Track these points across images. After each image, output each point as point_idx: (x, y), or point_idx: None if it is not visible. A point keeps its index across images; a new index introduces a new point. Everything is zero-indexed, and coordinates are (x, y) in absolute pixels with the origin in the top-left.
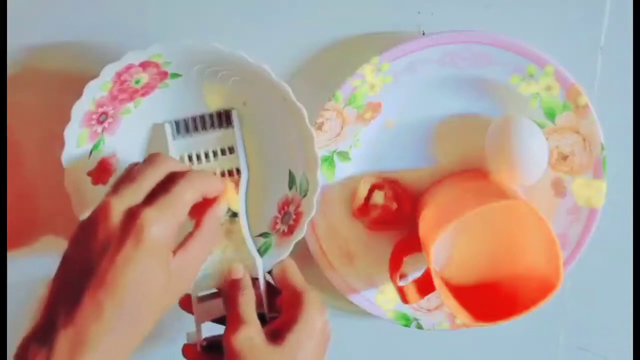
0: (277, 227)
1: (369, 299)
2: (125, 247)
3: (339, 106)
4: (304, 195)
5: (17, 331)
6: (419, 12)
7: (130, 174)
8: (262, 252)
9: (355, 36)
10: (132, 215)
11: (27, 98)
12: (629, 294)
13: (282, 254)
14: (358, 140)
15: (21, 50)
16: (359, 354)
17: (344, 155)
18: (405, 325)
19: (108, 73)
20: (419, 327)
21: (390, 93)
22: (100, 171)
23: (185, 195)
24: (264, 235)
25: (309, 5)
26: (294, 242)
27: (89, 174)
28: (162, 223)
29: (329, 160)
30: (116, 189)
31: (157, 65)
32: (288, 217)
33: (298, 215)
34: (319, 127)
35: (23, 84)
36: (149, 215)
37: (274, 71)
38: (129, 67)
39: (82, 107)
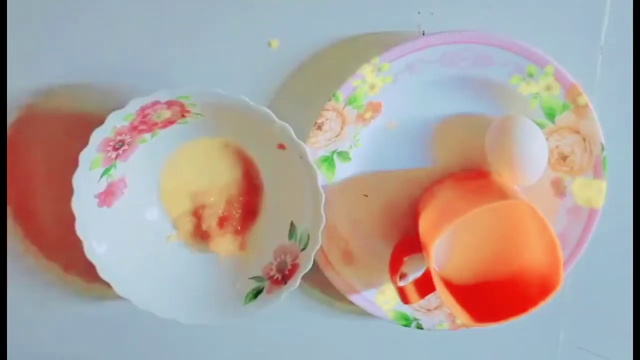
0: (271, 273)
1: (369, 299)
2: None
3: (339, 106)
4: (303, 249)
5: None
6: (419, 12)
7: None
8: (252, 295)
9: (355, 36)
10: None
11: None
12: (629, 294)
13: (272, 300)
14: (358, 140)
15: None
16: (359, 354)
17: (344, 155)
18: (405, 325)
19: (133, 106)
20: (419, 327)
21: (390, 93)
22: (108, 194)
23: None
24: (256, 278)
25: (308, 5)
26: (285, 292)
27: (96, 196)
28: None
29: (329, 160)
30: None
31: (182, 105)
32: (283, 265)
33: (294, 267)
34: (319, 127)
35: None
36: None
37: (274, 71)
38: (154, 104)
39: (101, 134)
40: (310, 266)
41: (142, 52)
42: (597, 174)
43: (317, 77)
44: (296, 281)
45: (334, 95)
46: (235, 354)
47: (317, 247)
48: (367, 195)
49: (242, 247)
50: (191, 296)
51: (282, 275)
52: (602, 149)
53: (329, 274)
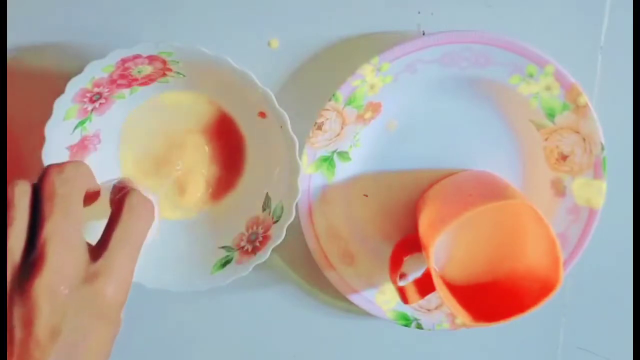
0: (242, 244)
1: (369, 299)
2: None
3: (339, 106)
4: (276, 221)
5: None
6: (419, 12)
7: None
8: (220, 265)
9: (355, 36)
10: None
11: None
12: (629, 294)
13: (240, 271)
14: (358, 140)
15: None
16: (359, 354)
17: (344, 156)
18: (405, 325)
19: (114, 57)
20: (419, 327)
21: (390, 93)
22: (80, 147)
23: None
24: (226, 248)
25: (308, 5)
26: (254, 264)
27: (69, 147)
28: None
29: (329, 160)
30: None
31: (164, 62)
32: (255, 237)
33: (265, 238)
34: (319, 127)
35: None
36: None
37: (274, 71)
38: (136, 57)
39: (78, 83)
40: (281, 239)
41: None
42: (597, 174)
43: (317, 77)
44: (266, 253)
45: (334, 95)
46: (235, 354)
47: (291, 219)
48: (367, 195)
49: (213, 197)
50: (157, 261)
51: (253, 247)
52: (602, 149)
53: (329, 274)
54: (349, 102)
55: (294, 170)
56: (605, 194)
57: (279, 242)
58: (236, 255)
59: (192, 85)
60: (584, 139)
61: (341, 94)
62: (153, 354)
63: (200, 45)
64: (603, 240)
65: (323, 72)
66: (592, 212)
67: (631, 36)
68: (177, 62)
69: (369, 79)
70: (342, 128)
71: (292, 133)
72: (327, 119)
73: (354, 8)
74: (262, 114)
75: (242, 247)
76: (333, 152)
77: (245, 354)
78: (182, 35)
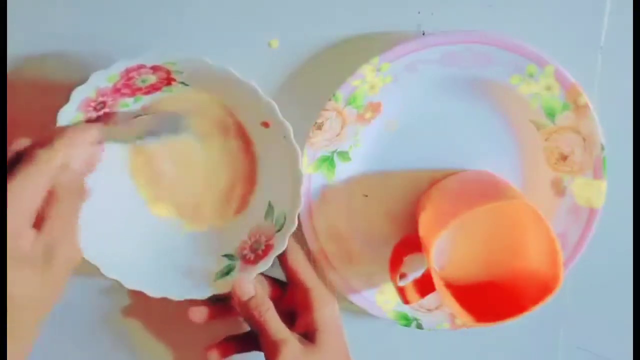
0: (244, 252)
1: (369, 299)
2: None
3: (339, 106)
4: (279, 230)
5: None
6: (419, 12)
7: None
8: (223, 273)
9: (355, 36)
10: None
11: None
12: (629, 294)
13: None
14: (358, 140)
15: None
16: (359, 354)
17: (344, 155)
18: (405, 325)
19: (118, 67)
20: (419, 327)
21: (390, 93)
22: None
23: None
24: (228, 256)
25: (308, 5)
26: (256, 272)
27: None
28: None
29: (329, 160)
30: None
31: (168, 72)
32: (257, 245)
33: (268, 247)
34: (319, 127)
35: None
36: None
37: (274, 71)
38: (140, 67)
39: (82, 92)
40: (284, 248)
41: (140, 52)
42: (597, 174)
43: (317, 77)
44: (268, 262)
45: (334, 95)
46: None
47: (293, 229)
48: (367, 195)
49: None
50: (160, 269)
51: (255, 255)
52: (602, 149)
53: (329, 274)
54: (349, 102)
55: (297, 180)
56: (605, 194)
57: (281, 251)
58: (239, 264)
59: (196, 94)
60: (584, 139)
61: (341, 94)
62: (155, 353)
63: (199, 45)
64: (603, 240)
65: (323, 72)
66: (592, 212)
67: (631, 36)
68: (181, 72)
69: (369, 79)
70: (342, 128)
71: (295, 143)
72: (327, 118)
73: (354, 8)
74: (266, 124)
75: (245, 256)
76: (333, 152)
77: (243, 354)
78: (182, 35)
